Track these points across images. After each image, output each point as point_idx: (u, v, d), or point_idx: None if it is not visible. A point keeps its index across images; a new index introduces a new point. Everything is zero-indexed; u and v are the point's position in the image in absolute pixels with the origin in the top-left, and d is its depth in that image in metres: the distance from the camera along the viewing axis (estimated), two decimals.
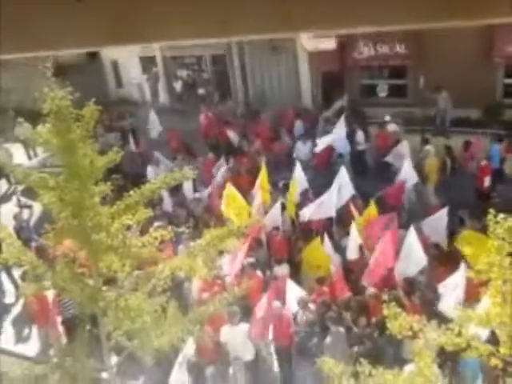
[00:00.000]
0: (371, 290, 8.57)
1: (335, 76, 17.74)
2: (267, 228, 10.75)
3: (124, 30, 1.77)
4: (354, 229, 9.64)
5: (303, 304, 8.26)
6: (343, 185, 11.34)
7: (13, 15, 1.76)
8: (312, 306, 8.27)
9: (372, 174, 13.85)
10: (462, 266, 7.90)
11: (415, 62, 16.14)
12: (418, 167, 12.50)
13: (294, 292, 8.73)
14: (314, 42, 17.11)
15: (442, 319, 5.17)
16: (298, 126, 16.01)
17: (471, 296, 7.52)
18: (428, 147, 13.21)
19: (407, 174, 11.91)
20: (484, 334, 5.47)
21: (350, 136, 14.36)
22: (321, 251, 9.54)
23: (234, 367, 7.83)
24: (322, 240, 9.71)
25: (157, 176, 11.41)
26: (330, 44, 16.77)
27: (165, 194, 12.04)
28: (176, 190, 12.23)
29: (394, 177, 12.27)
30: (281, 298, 8.52)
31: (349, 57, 16.88)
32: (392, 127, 14.69)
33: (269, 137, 15.68)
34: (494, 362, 4.10)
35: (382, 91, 17.57)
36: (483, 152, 12.91)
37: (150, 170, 14.08)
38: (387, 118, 15.07)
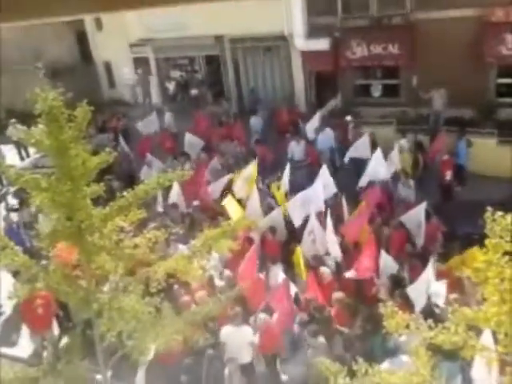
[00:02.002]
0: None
1: (329, 76, 17.77)
2: (262, 228, 10.70)
3: None
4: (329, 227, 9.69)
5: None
6: (325, 183, 11.45)
7: None
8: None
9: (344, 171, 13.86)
10: (431, 261, 8.31)
11: (408, 62, 16.19)
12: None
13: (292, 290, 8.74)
14: (307, 42, 17.14)
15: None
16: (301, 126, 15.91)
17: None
18: (401, 141, 13.45)
19: (375, 169, 12.04)
20: None
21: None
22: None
23: (230, 368, 7.78)
24: None
25: (150, 177, 11.38)
26: (323, 44, 16.79)
27: (158, 195, 11.96)
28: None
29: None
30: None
31: (342, 57, 16.89)
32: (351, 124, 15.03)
33: (243, 139, 15.73)
34: (491, 360, 4.09)
35: (376, 91, 17.61)
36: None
37: (144, 172, 14.00)
38: (348, 117, 15.43)
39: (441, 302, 7.92)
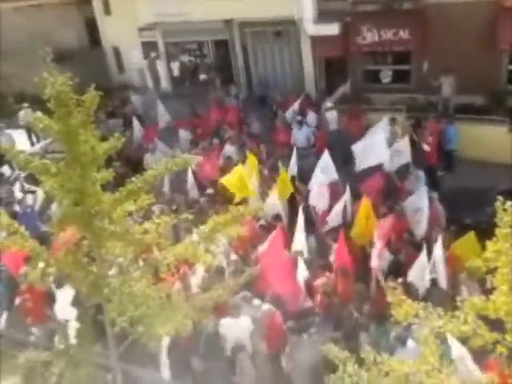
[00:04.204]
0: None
1: (338, 61, 17.61)
2: (267, 216, 10.69)
3: None
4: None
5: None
6: (325, 169, 11.41)
7: None
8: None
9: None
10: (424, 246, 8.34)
11: (419, 47, 16.00)
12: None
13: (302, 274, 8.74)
14: (317, 27, 16.97)
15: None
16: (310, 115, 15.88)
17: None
18: (395, 127, 13.62)
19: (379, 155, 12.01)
20: None
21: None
22: None
23: (240, 359, 7.72)
24: None
25: (152, 163, 11.39)
26: (333, 29, 16.61)
27: (166, 180, 11.98)
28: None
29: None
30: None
31: (352, 42, 16.70)
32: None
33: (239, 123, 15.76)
34: (500, 349, 4.08)
35: (386, 77, 17.44)
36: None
37: (147, 157, 14.04)
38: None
39: (442, 280, 8.11)
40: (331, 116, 15.48)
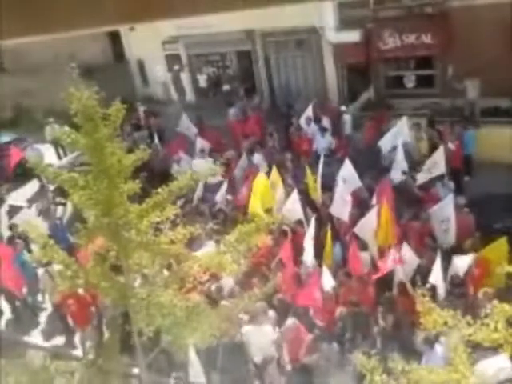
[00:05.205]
0: None
1: (361, 68, 17.54)
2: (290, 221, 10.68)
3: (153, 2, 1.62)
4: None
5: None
6: (347, 177, 11.34)
7: None
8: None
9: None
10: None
11: (442, 51, 15.84)
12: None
13: (328, 283, 8.69)
14: (339, 34, 16.96)
15: None
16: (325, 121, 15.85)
17: None
18: (420, 132, 13.65)
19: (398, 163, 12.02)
20: None
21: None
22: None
23: (270, 368, 7.68)
24: None
25: (178, 174, 11.52)
26: (354, 36, 16.59)
27: (198, 190, 12.07)
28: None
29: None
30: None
31: (374, 48, 16.63)
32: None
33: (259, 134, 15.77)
34: None
35: (410, 82, 17.29)
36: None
37: (174, 169, 14.17)
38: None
39: (461, 272, 8.13)
40: (345, 120, 15.47)
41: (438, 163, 11.95)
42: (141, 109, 19.09)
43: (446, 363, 4.49)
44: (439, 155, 12.01)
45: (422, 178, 11.98)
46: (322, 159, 12.25)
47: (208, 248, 8.89)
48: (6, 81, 21.90)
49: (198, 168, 11.44)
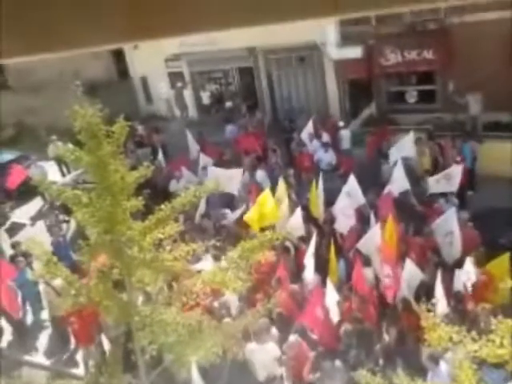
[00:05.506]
0: None
1: (362, 84, 17.63)
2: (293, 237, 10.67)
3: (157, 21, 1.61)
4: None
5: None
6: (351, 193, 11.31)
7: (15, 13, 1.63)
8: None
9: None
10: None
11: (443, 67, 15.94)
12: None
13: (333, 298, 8.63)
14: (340, 50, 17.09)
15: None
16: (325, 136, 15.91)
17: None
18: (422, 147, 13.58)
19: (397, 180, 11.85)
20: None
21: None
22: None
23: None
24: None
25: (177, 190, 11.54)
26: (356, 52, 16.71)
27: (201, 206, 12.05)
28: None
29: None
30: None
31: (376, 64, 16.75)
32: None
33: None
34: None
35: (412, 97, 17.38)
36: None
37: (172, 185, 14.26)
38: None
39: (469, 282, 8.15)
40: (344, 135, 15.59)
41: (452, 179, 11.82)
42: (139, 128, 19.12)
43: (452, 380, 4.45)
44: (456, 171, 11.87)
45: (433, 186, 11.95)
46: (321, 175, 12.17)
47: (205, 262, 8.89)
48: (10, 98, 22.07)
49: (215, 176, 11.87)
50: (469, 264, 8.48)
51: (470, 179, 13.23)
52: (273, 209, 11.27)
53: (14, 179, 16.17)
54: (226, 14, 1.48)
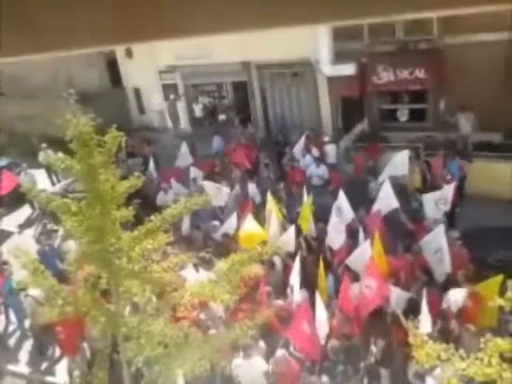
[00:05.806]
0: None
1: (355, 101, 17.77)
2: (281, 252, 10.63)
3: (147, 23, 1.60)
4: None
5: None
6: (341, 209, 11.32)
7: (14, 12, 1.62)
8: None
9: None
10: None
11: (435, 86, 16.12)
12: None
13: (322, 314, 8.58)
14: (333, 67, 17.23)
15: None
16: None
17: None
18: (413, 165, 13.72)
19: (383, 198, 11.82)
20: None
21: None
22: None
23: None
24: None
25: (165, 202, 11.47)
26: (349, 69, 16.85)
27: (185, 219, 11.99)
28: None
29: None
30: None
31: (368, 82, 16.91)
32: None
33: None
34: None
35: (403, 116, 17.53)
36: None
37: (159, 197, 14.24)
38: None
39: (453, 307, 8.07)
40: (330, 150, 15.78)
41: (446, 198, 11.81)
42: (129, 141, 19.03)
43: None
44: (448, 191, 11.89)
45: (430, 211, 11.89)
46: (308, 191, 12.08)
47: (188, 271, 8.82)
48: (3, 105, 22.00)
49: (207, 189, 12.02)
50: (458, 283, 8.47)
51: (458, 196, 13.28)
52: (262, 231, 11.16)
53: (4, 186, 16.07)
54: (218, 19, 1.48)
